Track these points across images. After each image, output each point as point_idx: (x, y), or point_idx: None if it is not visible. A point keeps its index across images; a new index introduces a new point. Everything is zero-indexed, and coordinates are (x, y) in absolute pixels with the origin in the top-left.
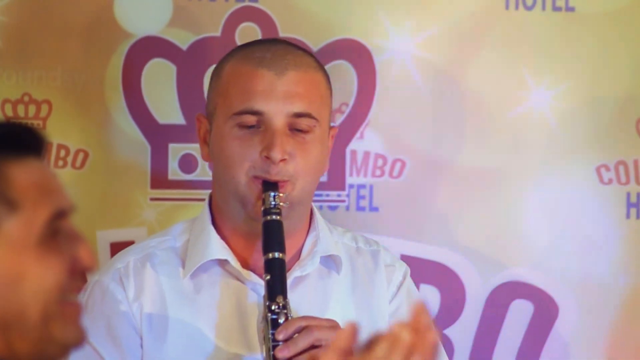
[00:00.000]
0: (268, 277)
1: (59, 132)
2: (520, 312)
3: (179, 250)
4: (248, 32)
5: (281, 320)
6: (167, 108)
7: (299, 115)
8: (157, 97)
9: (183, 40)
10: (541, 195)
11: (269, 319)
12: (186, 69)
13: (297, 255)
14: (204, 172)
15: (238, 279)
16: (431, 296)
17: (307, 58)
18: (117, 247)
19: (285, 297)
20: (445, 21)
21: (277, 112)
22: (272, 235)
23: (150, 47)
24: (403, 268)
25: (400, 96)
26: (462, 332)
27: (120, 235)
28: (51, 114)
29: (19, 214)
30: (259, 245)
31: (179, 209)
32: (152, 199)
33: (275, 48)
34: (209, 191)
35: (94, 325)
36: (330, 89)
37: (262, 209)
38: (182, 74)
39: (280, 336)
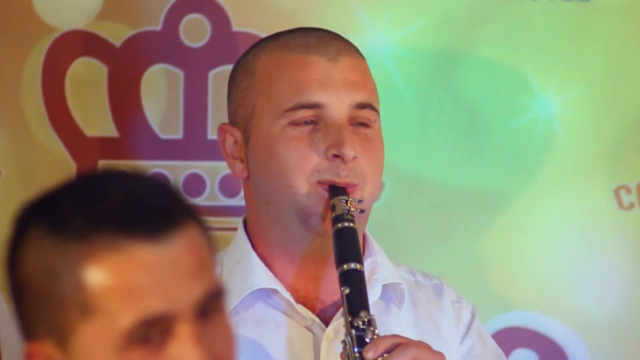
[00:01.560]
0: (347, 291)
1: None
2: None
3: None
4: (195, 25)
5: (368, 339)
6: (96, 117)
7: (361, 105)
8: (85, 104)
9: (116, 35)
10: (547, 223)
11: (354, 335)
12: (120, 70)
13: None
14: None
15: (289, 316)
16: None
17: (353, 45)
18: None
19: (369, 311)
20: (432, 12)
21: (339, 102)
22: (348, 244)
23: (76, 44)
24: (470, 306)
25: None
26: None
27: None
28: None
29: (94, 320)
30: (312, 269)
31: None
32: None
33: (316, 34)
34: None
35: None
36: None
37: (333, 215)
38: (115, 75)
39: (370, 354)
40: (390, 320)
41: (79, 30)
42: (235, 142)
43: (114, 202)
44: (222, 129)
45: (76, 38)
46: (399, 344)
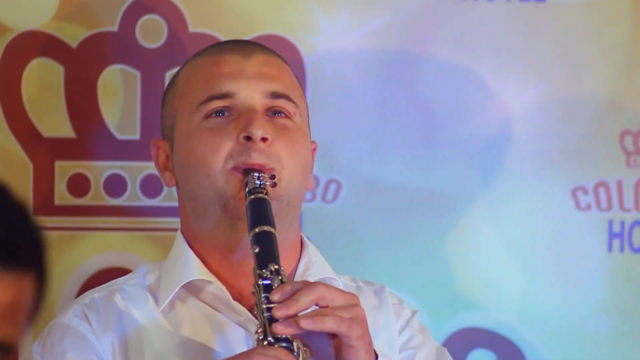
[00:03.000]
0: (257, 250)
1: None
2: None
3: (149, 288)
4: (151, 26)
5: (275, 286)
6: (53, 118)
7: (276, 95)
8: (41, 104)
9: (73, 36)
10: (505, 224)
11: (261, 284)
12: (77, 71)
13: None
14: (97, 195)
15: (223, 312)
16: None
17: (273, 51)
18: None
19: (278, 264)
20: (389, 12)
21: (250, 91)
22: (259, 211)
23: (32, 45)
24: (412, 309)
25: (335, 103)
26: None
27: None
28: None
29: None
30: (243, 263)
31: (69, 241)
32: None
33: (235, 41)
34: (105, 218)
35: None
36: (303, 91)
37: (246, 190)
38: (71, 76)
39: (276, 296)
40: None
41: (35, 30)
42: (167, 156)
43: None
44: (154, 145)
45: (32, 38)
46: (305, 285)
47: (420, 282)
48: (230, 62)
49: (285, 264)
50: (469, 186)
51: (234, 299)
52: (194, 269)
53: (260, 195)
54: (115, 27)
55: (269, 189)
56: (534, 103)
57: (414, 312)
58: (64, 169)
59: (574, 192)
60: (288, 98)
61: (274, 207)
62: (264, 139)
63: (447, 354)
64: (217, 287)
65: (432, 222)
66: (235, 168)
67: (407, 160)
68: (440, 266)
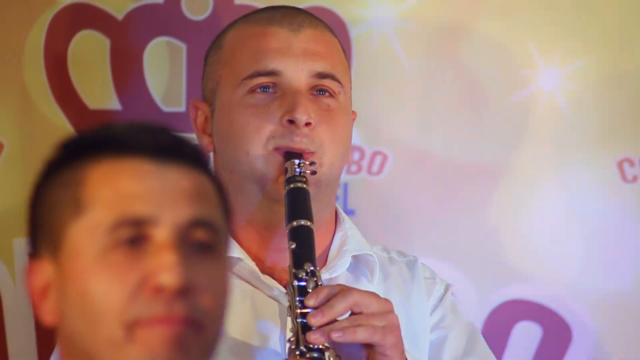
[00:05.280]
0: (293, 246)
1: None
2: (525, 337)
3: None
4: None
5: (310, 289)
6: (99, 90)
7: (322, 75)
8: (88, 77)
9: (118, 8)
10: (551, 196)
11: (295, 285)
12: (122, 43)
13: (324, 258)
14: None
15: (254, 286)
16: None
17: (323, 21)
18: None
19: (314, 264)
20: None
21: (297, 70)
22: (298, 203)
23: (78, 17)
24: (444, 283)
25: (381, 76)
26: None
27: None
28: None
29: (85, 217)
30: (276, 240)
31: None
32: None
33: (284, 9)
34: None
35: None
36: (348, 63)
37: (286, 177)
38: (117, 48)
39: (311, 302)
40: None
41: (81, 3)
42: (206, 118)
43: (127, 127)
44: (193, 105)
45: (78, 11)
46: (340, 290)
47: (466, 254)
48: (279, 36)
49: (321, 240)
50: (514, 157)
51: (266, 272)
52: None
53: (299, 184)
54: (161, 0)
55: (308, 176)
56: (579, 74)
57: (446, 288)
58: None
59: (620, 164)
60: (334, 78)
61: (313, 192)
62: (307, 124)
63: (479, 333)
64: (246, 264)
65: (477, 193)
66: (276, 149)
67: (453, 131)
68: (487, 238)
